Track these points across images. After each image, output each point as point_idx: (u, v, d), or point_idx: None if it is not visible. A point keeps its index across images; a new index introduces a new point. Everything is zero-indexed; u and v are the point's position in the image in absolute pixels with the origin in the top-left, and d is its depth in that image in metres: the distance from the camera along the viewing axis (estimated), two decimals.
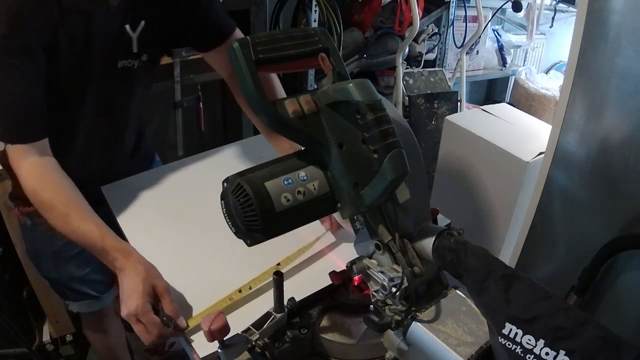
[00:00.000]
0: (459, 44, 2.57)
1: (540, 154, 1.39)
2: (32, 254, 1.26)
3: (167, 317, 0.76)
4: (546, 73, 3.09)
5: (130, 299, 0.77)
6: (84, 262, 1.18)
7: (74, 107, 1.01)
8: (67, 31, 0.90)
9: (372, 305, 0.66)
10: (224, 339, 0.66)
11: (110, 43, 0.96)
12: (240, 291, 0.84)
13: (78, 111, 1.02)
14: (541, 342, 0.46)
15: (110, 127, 1.10)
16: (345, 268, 0.69)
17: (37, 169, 0.90)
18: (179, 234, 0.99)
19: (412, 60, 2.41)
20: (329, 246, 0.96)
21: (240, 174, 0.55)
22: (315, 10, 2.01)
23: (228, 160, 1.18)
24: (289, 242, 0.92)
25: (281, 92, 1.07)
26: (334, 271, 0.74)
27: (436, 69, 2.44)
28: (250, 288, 0.85)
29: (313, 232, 0.97)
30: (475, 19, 2.50)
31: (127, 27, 0.97)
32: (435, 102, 2.28)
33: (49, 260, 1.19)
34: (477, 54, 2.76)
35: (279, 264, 0.90)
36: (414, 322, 0.60)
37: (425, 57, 2.44)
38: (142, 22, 0.98)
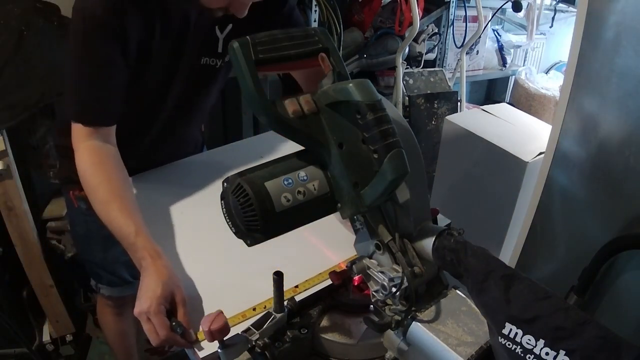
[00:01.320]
0: (459, 44, 2.56)
1: (540, 154, 1.39)
2: (81, 237, 1.29)
3: (178, 323, 0.75)
4: (546, 73, 3.09)
5: (146, 297, 0.77)
6: None
7: (157, 98, 1.06)
8: (164, 27, 0.93)
9: (372, 305, 0.66)
10: (224, 339, 0.66)
11: (199, 42, 1.01)
12: (254, 309, 0.82)
13: (160, 103, 1.07)
14: (541, 342, 0.46)
15: (183, 120, 1.17)
16: (345, 268, 0.69)
17: (94, 153, 0.93)
18: (179, 234, 0.99)
19: (412, 60, 2.41)
20: (329, 246, 0.96)
21: (240, 174, 0.55)
22: (315, 10, 2.01)
23: (228, 160, 1.18)
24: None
25: None
26: (334, 271, 0.73)
27: (436, 69, 2.44)
28: (265, 307, 0.82)
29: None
30: (475, 19, 2.50)
31: (217, 27, 1.02)
32: (435, 102, 2.28)
33: (98, 243, 1.23)
34: (477, 54, 2.76)
35: (297, 287, 0.86)
36: (414, 322, 0.60)
37: (425, 57, 2.43)
38: (230, 25, 1.02)
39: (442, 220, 0.97)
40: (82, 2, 0.87)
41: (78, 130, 0.93)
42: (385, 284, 0.60)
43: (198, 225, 1.00)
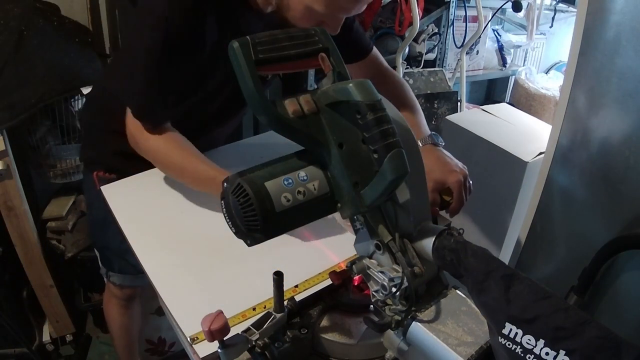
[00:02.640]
0: (459, 44, 2.56)
1: (540, 154, 1.39)
2: (98, 221, 1.30)
3: None
4: (546, 73, 3.09)
5: None
6: None
7: (208, 98, 1.10)
8: (232, 31, 0.95)
9: (372, 305, 0.66)
10: (224, 339, 0.66)
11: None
12: (254, 309, 0.81)
13: (208, 102, 1.11)
14: (541, 342, 0.46)
15: (221, 122, 1.22)
16: (345, 268, 0.69)
17: (160, 134, 0.98)
18: (179, 234, 0.99)
19: (412, 60, 2.41)
20: (329, 246, 0.96)
21: (240, 174, 0.55)
22: None
23: (228, 160, 1.18)
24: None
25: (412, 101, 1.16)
26: (334, 271, 0.73)
27: (436, 69, 2.44)
28: (265, 307, 0.82)
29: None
30: (475, 19, 2.50)
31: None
32: (435, 102, 2.28)
33: (115, 228, 1.23)
34: (477, 54, 2.76)
35: (296, 286, 0.86)
36: (414, 322, 0.60)
37: (425, 57, 2.43)
38: None
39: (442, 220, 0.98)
40: (163, 9, 0.88)
41: (139, 126, 0.98)
42: (385, 284, 0.60)
43: (198, 225, 1.00)
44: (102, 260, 1.37)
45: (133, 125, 0.99)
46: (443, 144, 1.05)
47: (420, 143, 1.04)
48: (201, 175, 0.95)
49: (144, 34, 0.93)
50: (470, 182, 1.00)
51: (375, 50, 1.20)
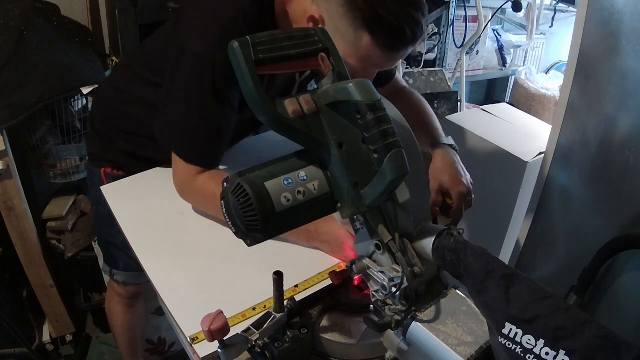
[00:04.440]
0: (459, 44, 2.56)
1: (540, 154, 1.39)
2: (104, 217, 1.28)
3: None
4: (546, 73, 3.09)
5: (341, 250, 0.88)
6: None
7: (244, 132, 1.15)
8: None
9: (372, 305, 0.66)
10: (224, 339, 0.66)
11: (282, 83, 1.04)
12: (254, 309, 0.82)
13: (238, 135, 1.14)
14: (541, 342, 0.46)
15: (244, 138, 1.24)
16: (345, 268, 0.69)
17: (210, 175, 0.96)
18: (179, 234, 0.99)
19: (412, 60, 2.41)
20: None
21: (240, 174, 0.55)
22: None
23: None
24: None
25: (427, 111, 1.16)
26: (334, 271, 0.73)
27: (436, 69, 2.44)
28: (265, 307, 0.82)
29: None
30: (475, 19, 2.50)
31: (297, 74, 1.04)
32: (435, 102, 2.28)
33: None
34: (477, 54, 2.76)
35: (296, 286, 0.86)
36: (414, 322, 0.60)
37: (425, 57, 2.43)
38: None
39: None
40: (210, 51, 0.87)
41: (189, 169, 0.96)
42: (385, 284, 0.60)
43: (198, 225, 1.00)
44: (106, 258, 1.36)
45: (184, 170, 0.97)
46: (458, 149, 1.06)
47: (441, 141, 1.05)
48: None
49: (185, 80, 0.92)
50: (473, 197, 1.00)
51: (398, 76, 1.23)
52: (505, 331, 0.49)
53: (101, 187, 1.10)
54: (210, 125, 0.95)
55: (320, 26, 0.81)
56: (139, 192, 1.09)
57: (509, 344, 0.49)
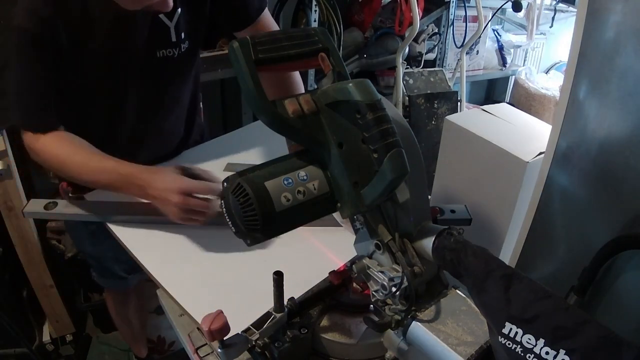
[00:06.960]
0: (459, 44, 2.56)
1: (540, 154, 1.39)
2: (72, 230, 1.33)
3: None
4: (546, 73, 3.09)
5: (167, 203, 0.84)
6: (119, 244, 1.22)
7: (118, 97, 1.04)
8: (98, 25, 0.91)
9: (372, 305, 0.66)
10: (224, 339, 0.66)
11: (146, 34, 0.98)
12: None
13: (124, 102, 1.05)
14: (541, 341, 0.46)
15: (157, 115, 1.14)
16: (345, 268, 0.69)
17: (54, 138, 0.94)
18: (179, 234, 0.99)
19: (412, 60, 2.41)
20: (329, 246, 0.96)
21: (240, 174, 0.55)
22: (315, 10, 2.00)
23: (228, 160, 1.18)
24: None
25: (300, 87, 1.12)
26: (334, 271, 0.73)
27: (436, 69, 2.44)
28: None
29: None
30: (475, 19, 2.50)
31: (162, 16, 0.98)
32: (435, 102, 2.28)
33: (86, 237, 1.25)
34: (477, 54, 2.76)
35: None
36: (414, 322, 0.60)
37: (425, 57, 2.43)
38: (178, 10, 0.99)
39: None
40: (14, 17, 0.86)
41: (29, 136, 0.94)
42: (385, 283, 0.60)
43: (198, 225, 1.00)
44: (89, 265, 1.39)
45: (27, 138, 0.95)
46: None
47: None
48: (116, 170, 0.91)
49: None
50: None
51: (266, 12, 1.12)
52: (505, 331, 0.49)
53: (88, 193, 1.09)
54: (19, 87, 0.91)
55: None
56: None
57: (509, 344, 0.49)
